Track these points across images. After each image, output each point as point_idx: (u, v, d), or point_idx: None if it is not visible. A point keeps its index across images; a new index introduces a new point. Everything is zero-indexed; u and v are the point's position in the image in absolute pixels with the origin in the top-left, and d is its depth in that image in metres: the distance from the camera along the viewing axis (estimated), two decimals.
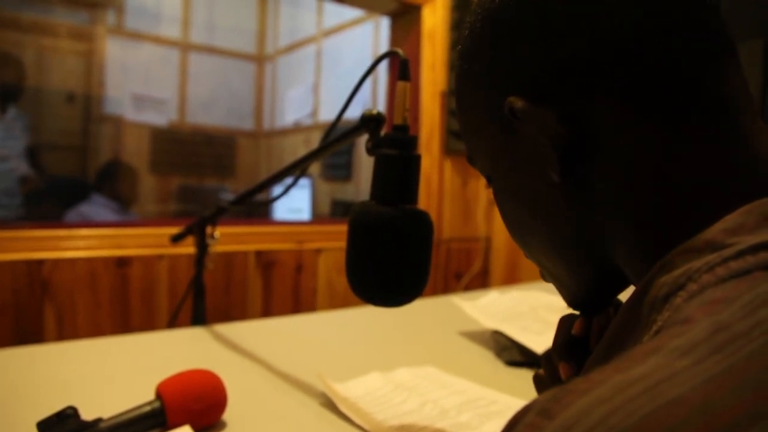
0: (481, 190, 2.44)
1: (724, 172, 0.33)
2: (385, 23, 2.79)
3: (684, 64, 0.33)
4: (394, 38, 2.39)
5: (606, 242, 0.38)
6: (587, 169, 0.36)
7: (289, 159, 0.82)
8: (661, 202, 0.34)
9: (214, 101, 4.24)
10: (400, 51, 0.59)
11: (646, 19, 0.33)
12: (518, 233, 0.44)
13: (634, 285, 0.37)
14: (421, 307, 1.23)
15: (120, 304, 1.68)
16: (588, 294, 0.43)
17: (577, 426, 0.21)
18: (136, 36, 3.83)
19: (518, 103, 0.36)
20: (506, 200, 0.43)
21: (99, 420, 0.54)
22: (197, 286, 1.07)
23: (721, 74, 0.34)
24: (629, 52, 0.33)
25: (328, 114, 3.68)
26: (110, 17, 3.76)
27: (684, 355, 0.22)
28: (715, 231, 0.30)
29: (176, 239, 1.12)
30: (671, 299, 0.28)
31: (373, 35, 3.20)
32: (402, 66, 0.58)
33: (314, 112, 3.80)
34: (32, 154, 3.05)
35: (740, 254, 0.27)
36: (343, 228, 1.71)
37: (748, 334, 0.22)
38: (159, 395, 0.59)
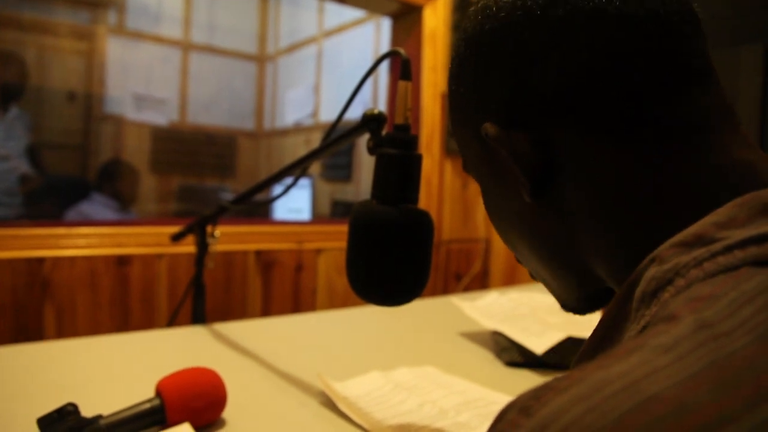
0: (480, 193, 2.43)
1: (703, 184, 0.33)
2: (386, 24, 2.79)
3: (651, 90, 0.35)
4: (395, 39, 2.40)
5: (586, 254, 0.39)
6: (559, 190, 0.38)
7: (290, 159, 0.83)
8: (633, 221, 0.35)
9: (214, 101, 4.24)
10: (401, 51, 0.59)
11: (615, 49, 0.35)
12: (506, 239, 0.47)
13: (615, 291, 0.39)
14: (420, 307, 1.23)
15: (120, 302, 1.68)
16: (575, 299, 0.45)
17: (553, 425, 0.22)
18: (137, 35, 3.83)
19: (491, 129, 0.38)
20: (493, 210, 0.46)
21: (99, 417, 0.54)
22: (197, 285, 1.07)
23: (690, 96, 0.35)
24: (597, 81, 0.35)
25: (328, 114, 3.69)
26: (111, 17, 3.76)
27: (666, 353, 0.23)
28: (705, 224, 0.30)
29: (176, 238, 1.12)
30: (659, 294, 0.28)
31: (374, 36, 3.20)
32: (403, 65, 0.58)
33: (315, 113, 3.81)
34: (33, 153, 3.05)
35: (729, 249, 0.27)
36: (343, 228, 1.70)
37: (730, 333, 0.22)
38: (159, 393, 0.59)
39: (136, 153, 3.76)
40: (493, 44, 0.39)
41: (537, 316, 0.99)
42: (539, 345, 0.85)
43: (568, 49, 0.35)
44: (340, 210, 3.40)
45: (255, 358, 0.85)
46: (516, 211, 0.42)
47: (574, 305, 0.46)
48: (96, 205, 2.74)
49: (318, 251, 2.04)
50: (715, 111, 0.35)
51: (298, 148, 3.92)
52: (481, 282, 2.45)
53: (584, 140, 0.36)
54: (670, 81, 0.35)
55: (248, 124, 4.47)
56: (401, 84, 0.58)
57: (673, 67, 0.35)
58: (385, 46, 3.02)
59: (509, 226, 0.44)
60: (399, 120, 0.58)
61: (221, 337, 0.95)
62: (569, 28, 0.35)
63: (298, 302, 2.01)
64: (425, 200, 2.25)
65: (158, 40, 3.93)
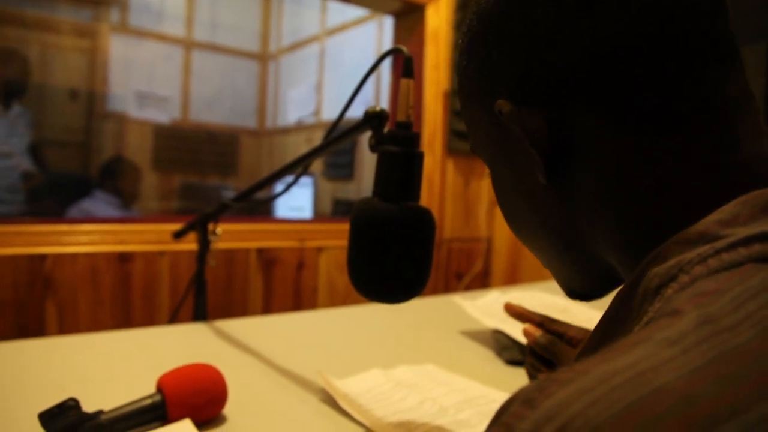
0: (483, 191, 2.43)
1: (710, 173, 0.33)
2: (388, 23, 2.79)
3: (668, 72, 0.33)
4: (398, 38, 2.39)
5: (594, 238, 0.39)
6: (573, 171, 0.37)
7: (292, 158, 0.83)
8: (645, 204, 0.34)
9: (217, 99, 4.24)
10: (403, 48, 0.59)
11: (632, 28, 0.33)
12: (512, 223, 0.46)
13: (625, 279, 0.38)
14: (422, 306, 1.23)
15: (121, 299, 1.68)
16: (580, 285, 0.45)
17: (558, 416, 0.21)
18: (140, 33, 3.83)
19: (505, 106, 0.38)
20: (501, 191, 0.45)
21: (100, 412, 0.54)
22: (199, 283, 1.07)
23: (710, 80, 0.34)
24: (613, 61, 0.34)
25: (330, 113, 3.69)
26: (114, 14, 3.77)
27: (670, 346, 0.23)
28: (709, 222, 0.30)
29: (178, 235, 1.13)
30: (662, 290, 0.28)
31: (376, 35, 3.20)
32: (406, 63, 0.58)
33: (317, 111, 3.81)
34: (35, 151, 3.06)
35: (733, 246, 0.27)
36: (344, 227, 1.70)
37: (735, 328, 0.23)
38: (160, 389, 0.59)
39: (138, 150, 3.76)
40: (505, 20, 0.38)
41: None
42: None
43: (572, 31, 0.35)
44: (341, 208, 3.40)
45: (256, 355, 0.85)
46: (525, 192, 0.41)
47: (579, 291, 0.45)
48: (98, 203, 2.75)
49: (319, 249, 2.04)
50: (732, 96, 0.34)
51: (299, 147, 3.92)
52: (482, 281, 2.45)
53: (590, 125, 0.35)
54: (678, 68, 0.33)
55: (250, 122, 4.47)
56: (403, 81, 0.58)
57: (685, 51, 0.33)
58: (387, 45, 3.02)
59: (517, 208, 0.43)
60: (401, 117, 0.58)
61: (222, 335, 0.95)
62: (574, 8, 0.34)
63: (299, 300, 2.01)
64: (427, 199, 2.25)
65: (161, 38, 3.93)
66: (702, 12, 0.34)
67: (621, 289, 0.33)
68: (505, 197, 0.45)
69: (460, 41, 0.44)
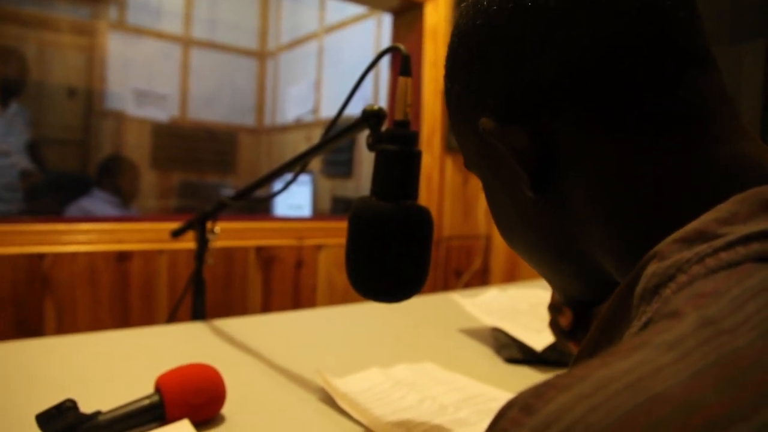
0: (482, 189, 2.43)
1: (708, 172, 0.33)
2: (387, 20, 2.79)
3: (648, 79, 0.34)
4: (396, 35, 2.39)
5: (588, 244, 0.39)
6: (560, 183, 0.37)
7: (290, 155, 0.83)
8: (645, 204, 0.35)
9: (215, 97, 4.23)
10: (401, 46, 0.58)
11: (631, 28, 0.34)
12: (506, 236, 0.46)
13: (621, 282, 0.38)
14: (420, 304, 1.23)
15: (120, 298, 1.68)
16: (579, 294, 0.45)
17: (557, 423, 0.21)
18: (138, 31, 3.82)
19: (489, 124, 0.38)
20: (494, 205, 0.46)
21: (98, 413, 0.54)
22: (197, 282, 1.07)
23: (688, 85, 0.34)
24: (613, 60, 0.34)
25: (329, 111, 3.68)
26: (112, 12, 3.76)
27: (669, 350, 0.22)
28: (707, 221, 0.29)
29: (176, 234, 1.12)
30: (661, 290, 0.28)
31: (375, 32, 3.19)
32: (403, 61, 0.58)
33: (316, 109, 3.80)
34: (33, 149, 3.05)
35: (731, 245, 0.27)
36: (343, 224, 1.70)
37: (734, 330, 0.22)
38: (158, 389, 0.59)
39: (137, 149, 3.76)
40: (486, 39, 0.38)
41: (537, 312, 0.99)
42: (539, 342, 0.85)
43: (563, 40, 0.35)
44: (340, 206, 3.40)
45: (255, 355, 0.85)
46: (517, 205, 0.41)
47: (577, 299, 0.45)
48: (96, 201, 2.74)
49: (318, 247, 2.04)
50: (714, 98, 0.35)
51: (298, 145, 3.91)
52: (481, 279, 2.45)
53: (583, 132, 0.36)
54: (668, 69, 0.34)
55: (249, 120, 4.46)
56: (401, 80, 0.58)
57: (670, 54, 0.34)
58: (386, 43, 3.01)
59: (510, 221, 0.44)
60: (399, 116, 0.58)
61: (221, 334, 0.95)
62: (563, 19, 0.35)
63: (298, 299, 2.01)
64: (426, 197, 2.25)
65: (159, 35, 3.92)
66: (679, 18, 0.35)
67: (619, 288, 0.33)
68: (498, 211, 0.45)
69: (444, 64, 0.45)
